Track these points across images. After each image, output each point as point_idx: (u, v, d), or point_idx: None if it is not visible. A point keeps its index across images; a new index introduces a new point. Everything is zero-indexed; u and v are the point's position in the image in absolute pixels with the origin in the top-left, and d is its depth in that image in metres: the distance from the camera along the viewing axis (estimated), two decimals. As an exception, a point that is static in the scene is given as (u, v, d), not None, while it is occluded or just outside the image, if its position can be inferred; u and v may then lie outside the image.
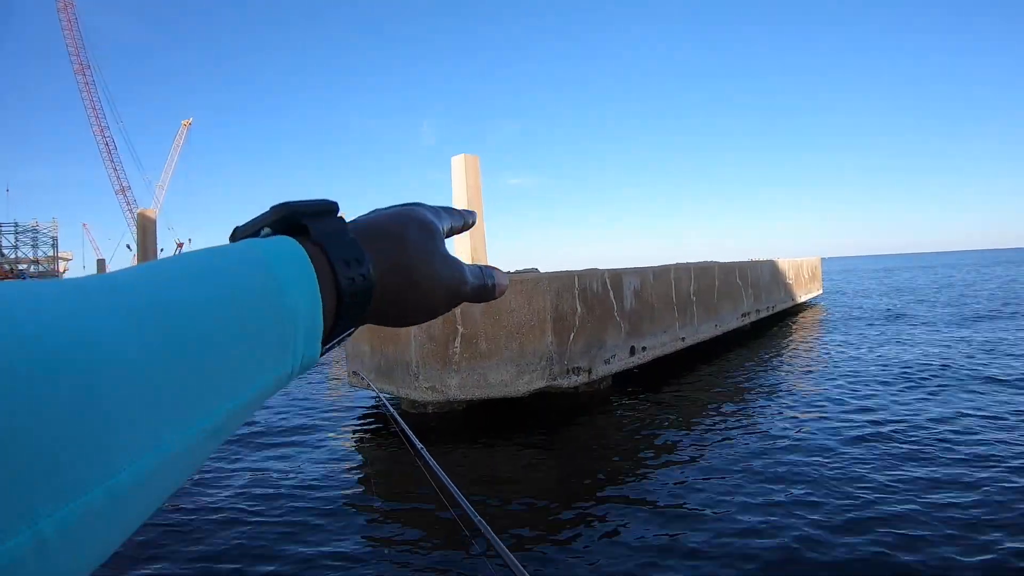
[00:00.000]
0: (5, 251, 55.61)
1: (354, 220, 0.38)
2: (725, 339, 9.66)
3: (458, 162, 9.00)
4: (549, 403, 5.98)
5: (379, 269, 0.34)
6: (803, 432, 4.80)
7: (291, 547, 3.25)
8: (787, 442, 4.56)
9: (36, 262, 58.22)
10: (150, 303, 0.22)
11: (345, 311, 0.32)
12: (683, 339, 7.71)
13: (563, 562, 2.97)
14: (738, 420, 5.30)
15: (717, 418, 5.39)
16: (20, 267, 55.48)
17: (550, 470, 4.53)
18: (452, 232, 0.45)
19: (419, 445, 1.97)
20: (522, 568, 1.23)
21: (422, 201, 0.42)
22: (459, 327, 5.60)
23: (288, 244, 0.30)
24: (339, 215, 0.35)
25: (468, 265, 0.42)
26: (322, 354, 0.30)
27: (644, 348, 6.87)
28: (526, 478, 4.33)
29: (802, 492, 3.59)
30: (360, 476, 4.51)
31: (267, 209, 0.34)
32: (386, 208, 0.40)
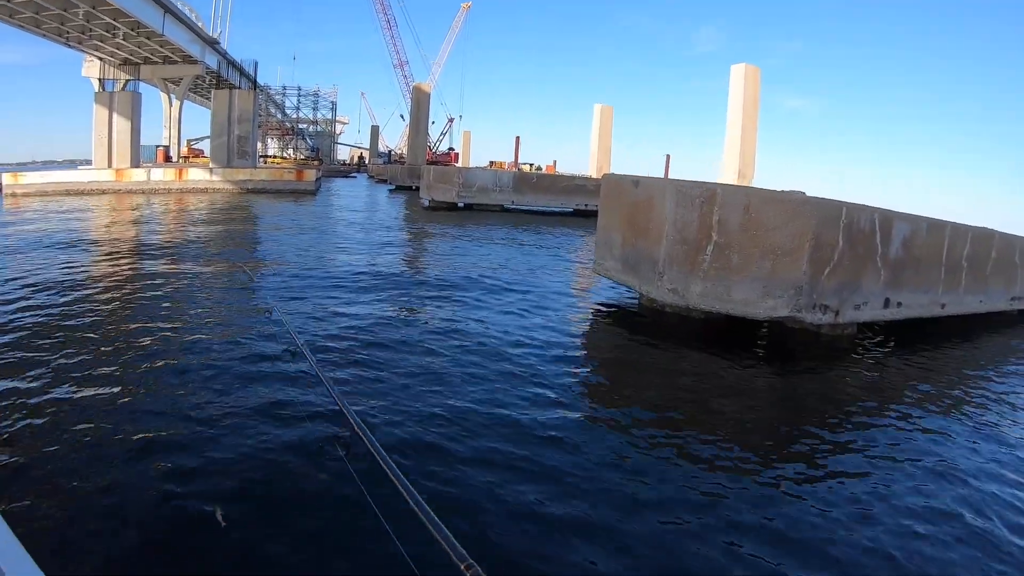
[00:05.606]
0: (288, 111, 66.44)
1: None
2: (987, 319, 8.54)
3: (738, 71, 8.82)
4: (786, 336, 5.99)
5: None
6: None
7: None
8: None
9: (315, 123, 68.64)
10: None
11: None
12: (943, 305, 7.06)
13: (763, 498, 3.06)
14: (985, 418, 4.58)
15: (966, 407, 4.81)
16: (300, 126, 66.08)
17: (771, 405, 4.48)
18: None
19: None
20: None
21: None
22: (714, 235, 5.79)
23: None
24: None
25: None
26: None
27: (900, 304, 6.48)
28: (744, 405, 4.35)
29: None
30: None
31: None
32: None
